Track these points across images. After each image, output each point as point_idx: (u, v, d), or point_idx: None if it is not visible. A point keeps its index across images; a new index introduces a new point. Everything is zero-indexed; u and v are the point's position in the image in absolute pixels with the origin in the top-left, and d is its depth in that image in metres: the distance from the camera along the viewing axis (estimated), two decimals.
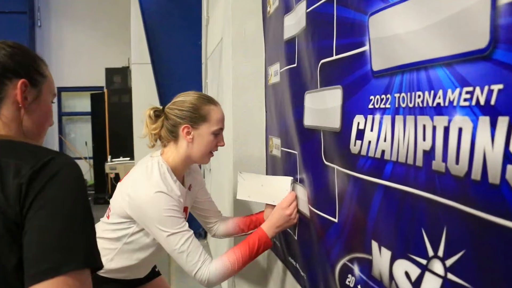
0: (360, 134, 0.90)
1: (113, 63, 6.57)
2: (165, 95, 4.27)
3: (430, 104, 0.65)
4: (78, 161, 0.79)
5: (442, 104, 0.62)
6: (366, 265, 0.92)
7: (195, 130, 1.39)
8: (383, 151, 0.80)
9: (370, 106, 0.85)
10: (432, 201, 0.66)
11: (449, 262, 0.63)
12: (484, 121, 0.53)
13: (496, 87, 0.51)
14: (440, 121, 0.62)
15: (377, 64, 0.82)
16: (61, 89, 7.66)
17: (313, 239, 1.30)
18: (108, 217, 1.42)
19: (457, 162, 0.59)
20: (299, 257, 1.49)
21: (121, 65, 6.48)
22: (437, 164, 0.64)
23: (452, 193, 0.61)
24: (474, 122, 0.55)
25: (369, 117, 0.86)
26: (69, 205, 0.72)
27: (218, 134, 1.43)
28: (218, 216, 1.70)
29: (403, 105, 0.73)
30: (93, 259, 0.72)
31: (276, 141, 1.72)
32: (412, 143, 0.70)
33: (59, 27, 7.61)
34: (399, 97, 0.74)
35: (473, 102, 0.55)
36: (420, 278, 0.71)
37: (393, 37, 0.74)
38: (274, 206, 1.48)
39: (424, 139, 0.67)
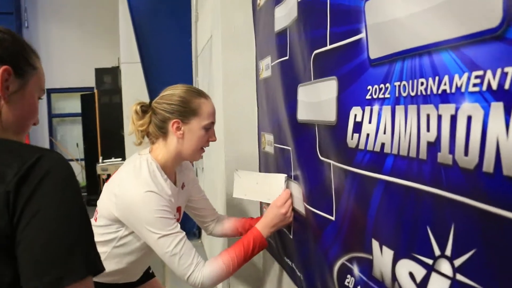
0: (358, 127, 0.85)
1: (103, 63, 6.48)
2: (155, 94, 4.17)
3: (435, 92, 0.60)
4: (69, 163, 0.72)
5: (448, 91, 0.57)
6: (366, 265, 0.87)
7: (186, 125, 1.32)
8: (382, 144, 0.75)
9: (368, 96, 0.80)
10: (438, 197, 0.61)
11: (458, 262, 0.58)
12: (497, 108, 0.48)
13: (510, 70, 0.46)
14: (446, 110, 0.57)
15: (375, 51, 0.77)
16: (50, 91, 7.56)
17: (309, 238, 1.25)
18: (95, 219, 1.35)
19: (466, 153, 0.54)
20: (295, 257, 1.44)
21: (111, 65, 6.39)
22: (443, 156, 0.59)
23: (461, 187, 0.56)
24: (486, 109, 0.50)
25: (367, 108, 0.81)
26: (64, 209, 0.66)
27: (209, 129, 1.36)
28: (213, 214, 1.64)
29: (404, 94, 0.68)
30: (94, 265, 0.67)
31: (268, 137, 1.67)
32: (415, 135, 0.65)
33: (47, 27, 7.50)
34: (399, 86, 0.69)
35: (484, 87, 0.50)
36: (426, 279, 0.66)
37: (392, 22, 0.69)
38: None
39: (428, 130, 0.62)
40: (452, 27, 0.56)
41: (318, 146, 1.10)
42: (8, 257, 0.63)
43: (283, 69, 1.38)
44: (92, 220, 1.37)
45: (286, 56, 1.33)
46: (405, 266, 0.71)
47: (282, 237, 1.57)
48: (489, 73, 0.49)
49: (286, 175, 1.42)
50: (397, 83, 0.70)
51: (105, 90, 6.17)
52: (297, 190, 1.34)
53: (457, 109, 0.55)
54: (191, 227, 3.87)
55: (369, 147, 0.81)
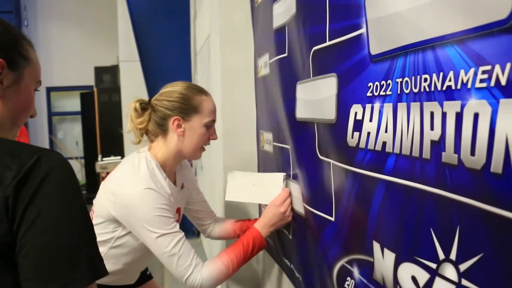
0: (358, 125, 0.82)
1: (102, 62, 6.46)
2: (154, 92, 4.15)
3: (439, 88, 0.57)
4: (69, 161, 0.68)
5: (453, 87, 0.54)
6: (367, 268, 0.84)
7: (186, 122, 1.29)
8: (384, 143, 0.73)
9: (369, 94, 0.77)
10: (442, 198, 0.58)
11: (463, 266, 0.55)
12: (506, 104, 0.45)
13: None
14: (451, 107, 0.54)
15: (376, 47, 0.74)
16: (50, 89, 7.55)
17: (308, 239, 1.23)
18: (91, 219, 1.32)
19: (472, 153, 0.51)
20: (294, 257, 1.42)
21: (110, 63, 6.37)
22: (448, 156, 0.56)
23: (467, 189, 0.53)
24: (494, 106, 0.47)
25: (368, 106, 0.78)
26: (65, 212, 0.63)
27: (210, 127, 1.33)
28: (212, 216, 1.61)
29: (407, 91, 0.65)
30: (98, 270, 0.65)
31: (267, 135, 1.64)
32: (418, 133, 0.62)
33: (46, 26, 7.47)
34: (401, 82, 0.66)
35: (492, 83, 0.47)
36: (429, 283, 0.63)
37: (394, 16, 0.66)
38: None
39: (432, 128, 0.59)
40: (458, 20, 0.53)
41: (318, 145, 1.08)
42: (8, 265, 0.60)
43: (282, 66, 1.35)
44: None
45: (285, 53, 1.30)
46: (408, 270, 0.69)
47: (281, 237, 1.55)
48: (497, 68, 0.46)
49: (285, 173, 1.39)
50: (399, 80, 0.67)
51: (104, 89, 6.14)
52: (296, 189, 1.32)
53: (463, 106, 0.52)
54: (190, 226, 3.85)
55: (370, 146, 0.78)
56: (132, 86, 4.67)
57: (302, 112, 1.18)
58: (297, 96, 1.20)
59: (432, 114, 0.59)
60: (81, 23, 7.42)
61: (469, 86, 0.51)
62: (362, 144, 0.81)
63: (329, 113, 0.96)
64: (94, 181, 6.15)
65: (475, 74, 0.50)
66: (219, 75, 1.91)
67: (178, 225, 1.24)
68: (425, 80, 0.60)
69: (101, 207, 1.26)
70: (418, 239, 0.65)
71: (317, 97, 1.04)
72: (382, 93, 0.73)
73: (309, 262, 1.23)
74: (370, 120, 0.77)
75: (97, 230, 1.25)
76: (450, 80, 0.54)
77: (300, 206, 1.29)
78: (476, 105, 0.50)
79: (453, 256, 0.57)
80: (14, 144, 0.67)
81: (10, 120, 0.75)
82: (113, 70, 6.21)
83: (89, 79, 6.62)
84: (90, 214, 1.33)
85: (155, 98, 1.33)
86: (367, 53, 0.77)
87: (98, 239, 1.25)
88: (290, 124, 1.29)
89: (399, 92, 0.67)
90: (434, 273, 0.62)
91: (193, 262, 1.22)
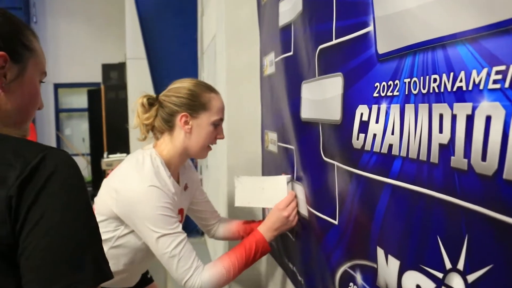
0: (364, 127, 0.79)
1: (110, 59, 6.47)
2: (161, 90, 4.15)
3: (449, 89, 0.54)
4: (75, 158, 0.65)
5: (464, 89, 0.51)
6: (370, 274, 0.82)
7: (194, 119, 1.26)
8: (390, 146, 0.70)
9: (375, 94, 0.75)
10: (450, 204, 0.55)
11: (471, 277, 0.53)
12: None
13: None
14: (462, 109, 0.52)
15: (383, 46, 0.71)
16: (58, 85, 7.58)
17: (311, 242, 1.20)
18: None
19: (483, 158, 0.48)
20: (296, 260, 1.39)
21: (117, 61, 6.37)
22: (457, 160, 0.53)
23: (477, 196, 0.50)
24: (508, 109, 0.44)
25: (374, 107, 0.75)
26: (70, 213, 0.61)
27: (218, 125, 1.30)
28: (216, 217, 1.58)
29: (415, 92, 0.62)
30: (103, 274, 0.63)
31: (272, 135, 1.62)
32: (426, 136, 0.59)
33: (55, 23, 7.50)
34: (409, 83, 0.64)
35: (507, 84, 0.44)
36: None
37: (403, 13, 0.64)
38: None
39: (440, 131, 0.56)
40: (470, 17, 0.50)
41: (322, 146, 1.05)
42: (11, 268, 0.58)
43: (287, 65, 1.32)
44: None
45: (290, 51, 1.28)
46: (412, 278, 0.66)
47: (284, 239, 1.52)
48: None
49: (289, 176, 1.35)
50: (407, 80, 0.64)
51: (111, 86, 6.15)
52: (300, 191, 1.29)
53: (474, 109, 0.49)
54: (194, 225, 3.83)
55: (376, 148, 0.75)
56: (139, 84, 4.66)
57: (307, 112, 1.15)
58: (302, 95, 1.18)
59: (441, 116, 0.56)
60: (89, 20, 7.44)
61: (481, 87, 0.48)
62: (367, 146, 0.78)
63: (334, 113, 0.93)
64: (100, 178, 6.15)
65: (488, 74, 0.47)
66: (224, 74, 1.89)
67: (180, 226, 1.21)
68: (435, 80, 0.57)
69: (103, 205, 1.23)
70: (424, 247, 0.62)
71: (322, 97, 1.02)
72: (389, 93, 0.70)
73: (312, 265, 1.21)
74: (377, 122, 0.75)
75: None
76: (461, 81, 0.52)
77: (304, 209, 1.26)
78: (489, 107, 0.47)
79: (460, 266, 0.54)
80: (18, 141, 0.65)
81: (17, 115, 0.72)
82: (121, 68, 6.21)
83: (97, 76, 6.62)
84: None
85: (163, 94, 1.30)
86: (374, 52, 0.74)
87: None
88: (295, 124, 1.26)
89: (407, 93, 0.65)
90: (440, 283, 0.59)
91: (193, 265, 1.18)
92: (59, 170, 0.61)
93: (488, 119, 0.47)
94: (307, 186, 1.21)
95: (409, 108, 0.64)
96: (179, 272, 1.17)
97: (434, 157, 0.58)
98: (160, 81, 4.34)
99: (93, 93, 6.53)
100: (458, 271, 0.55)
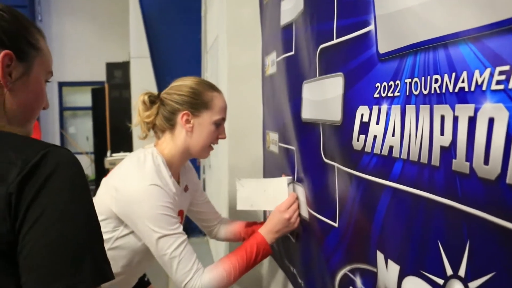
0: (364, 128, 0.77)
1: (114, 58, 6.47)
2: (164, 89, 4.16)
3: (451, 90, 0.52)
4: (79, 156, 0.64)
5: (466, 89, 0.49)
6: (370, 278, 0.80)
7: (196, 118, 1.24)
8: (391, 148, 0.68)
9: (376, 95, 0.73)
10: (451, 209, 0.54)
11: (473, 285, 0.51)
12: None
13: None
14: (464, 111, 0.50)
15: (384, 45, 0.70)
16: (62, 84, 7.60)
17: (311, 244, 1.18)
18: None
19: (486, 161, 0.46)
20: (297, 262, 1.37)
21: (122, 59, 6.38)
22: (459, 163, 0.51)
23: (479, 200, 0.49)
24: None
25: (375, 107, 0.73)
26: (71, 211, 0.59)
27: (220, 125, 1.28)
28: (217, 217, 1.55)
29: (416, 93, 0.60)
30: (103, 274, 0.61)
31: (273, 136, 1.60)
32: (427, 138, 0.58)
33: (59, 21, 7.53)
34: (410, 83, 0.62)
35: (510, 85, 0.43)
36: None
37: (404, 11, 0.62)
38: None
39: (442, 133, 0.54)
40: (473, 15, 0.48)
41: (323, 147, 1.03)
42: (10, 266, 0.57)
43: (288, 65, 1.31)
44: None
45: (292, 51, 1.26)
46: (412, 284, 0.64)
47: (285, 241, 1.50)
48: None
49: (289, 177, 1.33)
50: (408, 80, 0.62)
51: (115, 85, 6.15)
52: (301, 193, 1.27)
53: (476, 110, 0.48)
54: (196, 225, 3.83)
55: (376, 150, 0.73)
56: (143, 83, 4.66)
57: (307, 113, 1.13)
58: (303, 96, 1.16)
59: (442, 118, 0.54)
60: (93, 19, 7.46)
61: (484, 88, 0.46)
62: (367, 148, 0.76)
63: (335, 114, 0.91)
64: (103, 176, 6.15)
65: (491, 75, 0.45)
66: (226, 73, 1.88)
67: (181, 227, 1.18)
68: (436, 81, 0.55)
69: (102, 204, 1.20)
70: (424, 252, 0.60)
71: (323, 97, 1.00)
72: (390, 94, 0.68)
73: (312, 268, 1.19)
74: (377, 123, 0.73)
75: None
76: (463, 82, 0.50)
77: (304, 210, 1.25)
78: (492, 109, 0.45)
79: (462, 272, 0.53)
80: (20, 139, 0.64)
81: (21, 114, 0.71)
82: (125, 66, 6.21)
83: (101, 75, 6.64)
84: None
85: (164, 91, 1.29)
86: (375, 52, 0.73)
87: None
88: (296, 125, 1.25)
89: (408, 94, 0.63)
90: None
91: (194, 267, 1.15)
92: (60, 168, 0.60)
93: (491, 121, 0.46)
94: (308, 187, 1.19)
95: (410, 109, 0.62)
96: (179, 274, 1.14)
97: (435, 160, 0.56)
98: (163, 80, 4.33)
99: (97, 91, 6.53)
100: (459, 278, 0.53)
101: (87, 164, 7.01)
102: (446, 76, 0.53)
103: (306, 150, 1.18)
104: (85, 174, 0.64)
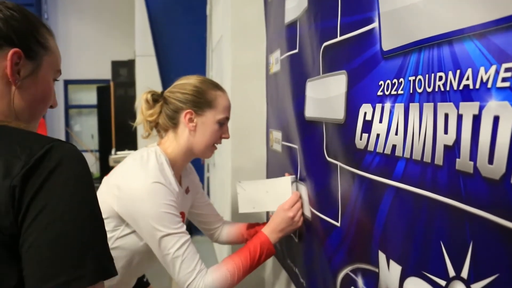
0: (367, 126, 0.76)
1: (120, 56, 6.50)
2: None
3: (455, 88, 0.51)
4: (84, 154, 0.64)
5: (471, 87, 0.48)
6: (372, 278, 0.79)
7: (199, 117, 1.22)
8: (394, 146, 0.67)
9: (379, 93, 0.72)
10: (454, 209, 0.53)
11: (476, 286, 0.50)
12: None
13: None
14: (468, 109, 0.49)
15: (388, 42, 0.69)
16: (68, 82, 7.64)
17: (314, 244, 1.17)
18: None
19: (490, 161, 0.45)
20: (299, 261, 1.37)
21: (127, 58, 6.39)
22: (463, 163, 0.50)
23: (483, 200, 0.48)
24: None
25: (378, 106, 0.72)
26: (74, 205, 0.59)
27: (223, 124, 1.26)
28: (219, 220, 1.52)
29: (420, 90, 0.59)
30: (106, 270, 0.61)
31: (276, 134, 1.59)
32: (431, 137, 0.57)
33: (65, 19, 7.56)
34: (414, 81, 0.61)
35: None
36: None
37: (408, 8, 0.61)
38: None
39: (446, 132, 0.53)
40: (479, 11, 0.47)
41: (325, 145, 1.02)
42: (13, 258, 0.57)
43: (292, 63, 1.30)
44: None
45: (296, 49, 1.25)
46: (414, 285, 0.63)
47: (287, 240, 1.49)
48: None
49: (293, 176, 1.32)
50: (411, 78, 0.61)
51: (120, 83, 6.18)
52: (303, 192, 1.26)
53: (481, 108, 0.47)
54: None
55: (379, 149, 0.72)
56: (148, 81, 4.66)
57: (311, 111, 1.12)
58: (306, 94, 1.15)
59: (446, 116, 0.53)
60: (99, 17, 7.49)
61: (489, 85, 0.45)
62: (370, 147, 0.75)
63: (338, 112, 0.90)
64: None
65: (497, 72, 0.44)
66: (230, 72, 1.87)
67: (184, 226, 1.16)
68: (440, 78, 0.54)
69: (103, 203, 1.16)
70: (426, 253, 0.59)
71: (326, 96, 0.99)
72: (393, 92, 0.67)
73: (314, 267, 1.18)
74: (380, 121, 0.72)
75: None
76: (467, 79, 0.49)
77: (307, 210, 1.24)
78: (497, 107, 0.44)
79: (464, 274, 0.52)
80: (26, 134, 0.65)
81: (28, 111, 0.72)
82: (130, 65, 6.23)
83: (106, 73, 6.66)
84: None
85: (168, 90, 1.27)
86: (379, 49, 0.72)
87: None
88: (299, 123, 1.24)
89: (411, 92, 0.62)
90: None
91: (197, 268, 1.13)
92: (64, 162, 0.60)
93: (496, 119, 0.44)
94: (310, 186, 1.18)
95: (414, 108, 0.61)
96: (182, 274, 1.12)
97: (439, 159, 0.55)
98: (168, 78, 4.34)
99: (103, 89, 6.56)
100: (462, 280, 0.52)
101: (92, 162, 7.04)
102: (450, 74, 0.52)
103: (309, 148, 1.17)
104: (90, 170, 0.64)
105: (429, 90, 0.57)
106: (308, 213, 1.23)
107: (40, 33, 0.72)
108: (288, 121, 1.38)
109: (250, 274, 1.23)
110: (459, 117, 0.50)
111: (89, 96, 7.52)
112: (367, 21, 0.76)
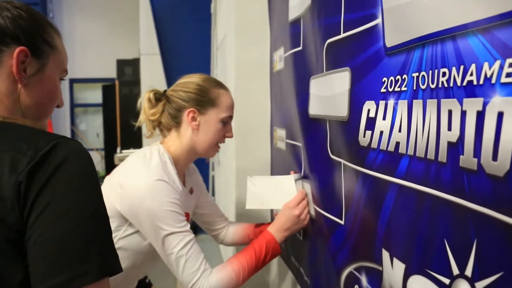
0: (371, 123, 0.76)
1: (125, 55, 6.51)
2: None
3: (459, 84, 0.50)
4: (89, 152, 0.65)
5: (475, 83, 0.48)
6: (375, 277, 0.79)
7: (202, 115, 1.21)
8: (397, 144, 0.67)
9: (383, 89, 0.71)
10: (458, 206, 0.52)
11: (480, 285, 0.49)
12: None
13: None
14: (472, 105, 0.48)
15: (391, 38, 0.68)
16: (73, 80, 7.68)
17: (318, 242, 1.17)
18: None
19: (494, 157, 0.45)
20: (303, 260, 1.36)
21: (132, 56, 6.41)
22: (467, 160, 0.50)
23: (487, 198, 0.47)
24: None
25: (381, 103, 0.72)
26: (79, 202, 0.60)
27: (227, 123, 1.25)
28: (223, 220, 1.50)
29: (423, 87, 0.59)
30: (111, 266, 0.61)
31: (280, 132, 1.59)
32: (434, 134, 0.56)
33: (70, 18, 7.60)
34: (417, 77, 0.60)
35: None
36: None
37: (411, 3, 0.60)
38: None
39: (449, 128, 0.53)
40: (483, 5, 0.46)
41: (329, 143, 1.02)
42: (19, 254, 0.58)
43: (296, 60, 1.29)
44: None
45: (299, 46, 1.24)
46: (418, 283, 0.62)
47: (292, 238, 1.49)
48: None
49: (296, 174, 1.31)
50: (415, 74, 0.61)
51: (125, 81, 6.19)
52: (308, 190, 1.26)
53: (485, 104, 0.46)
54: None
55: (383, 146, 0.72)
56: (152, 80, 4.67)
57: (314, 109, 1.12)
58: (310, 91, 1.15)
59: (450, 112, 0.52)
60: (104, 16, 7.51)
61: (493, 81, 0.45)
62: (374, 144, 0.75)
63: (342, 110, 0.90)
64: None
65: (501, 67, 0.44)
66: (234, 70, 1.87)
67: (189, 225, 1.14)
68: (444, 74, 0.53)
69: (105, 202, 1.16)
70: (430, 251, 0.59)
71: (330, 93, 0.98)
72: (397, 89, 0.67)
73: (318, 266, 1.18)
74: (384, 118, 0.71)
75: None
76: (471, 75, 0.48)
77: (311, 208, 1.23)
78: (501, 102, 0.44)
79: (468, 272, 0.51)
80: (32, 130, 0.65)
81: (35, 110, 0.72)
82: (135, 63, 6.23)
83: (111, 72, 6.68)
84: None
85: (170, 89, 1.26)
86: (382, 46, 0.71)
87: None
88: (303, 121, 1.23)
89: (415, 88, 0.61)
90: None
91: (201, 267, 1.10)
92: (69, 159, 0.61)
93: (500, 115, 0.44)
94: (314, 184, 1.18)
95: (417, 104, 0.60)
96: (186, 274, 1.10)
97: (442, 156, 0.55)
98: (173, 77, 4.32)
99: (108, 88, 6.57)
100: (466, 278, 0.52)
101: (97, 161, 7.07)
102: (454, 69, 0.51)
103: (313, 146, 1.16)
104: (95, 167, 0.65)
105: (433, 86, 0.56)
106: (312, 211, 1.22)
107: (46, 32, 0.73)
108: (292, 118, 1.38)
109: (254, 277, 1.21)
110: (463, 114, 0.50)
111: (95, 95, 7.55)
112: (370, 17, 0.75)
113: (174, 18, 4.60)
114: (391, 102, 0.69)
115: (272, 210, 1.77)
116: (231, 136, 1.28)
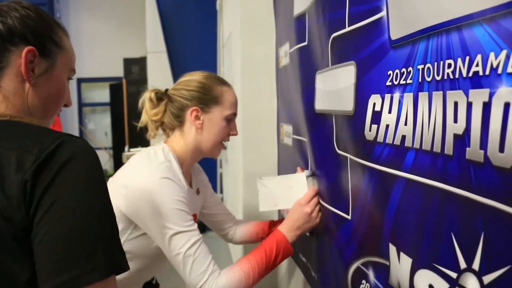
0: (376, 117, 0.75)
1: (131, 53, 6.54)
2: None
3: (464, 75, 0.50)
4: (98, 151, 0.65)
5: (481, 73, 0.47)
6: (383, 272, 0.78)
7: (205, 114, 1.19)
8: (403, 137, 0.66)
9: (388, 83, 0.71)
10: (465, 199, 0.51)
11: (487, 278, 0.49)
12: None
13: None
14: (478, 96, 0.47)
15: (396, 31, 0.67)
16: (80, 80, 7.72)
17: (325, 237, 1.17)
18: None
19: (501, 149, 0.44)
20: (310, 255, 1.36)
21: (139, 55, 6.43)
22: (473, 152, 0.49)
23: (494, 190, 0.46)
24: None
25: (387, 96, 0.71)
26: (85, 200, 0.60)
27: (231, 121, 1.22)
28: (231, 219, 1.48)
29: (429, 79, 0.58)
30: (117, 265, 0.61)
31: (287, 128, 1.59)
32: (440, 126, 0.55)
33: (77, 18, 7.63)
34: (423, 69, 0.59)
35: None
36: None
37: None
38: None
39: (455, 121, 0.52)
40: None
41: (335, 138, 1.01)
42: (26, 252, 0.58)
43: (302, 55, 1.29)
44: None
45: (305, 41, 1.24)
46: (425, 278, 0.62)
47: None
48: None
49: (307, 171, 1.29)
50: (420, 67, 0.60)
51: (133, 80, 6.21)
52: (315, 186, 1.25)
53: (491, 95, 0.45)
54: None
55: (389, 140, 0.71)
56: (159, 78, 4.70)
57: (320, 104, 1.11)
58: (316, 86, 1.14)
59: (456, 104, 0.52)
60: (111, 15, 7.54)
61: (499, 71, 0.44)
62: (380, 138, 0.74)
63: (347, 104, 0.89)
64: None
65: (507, 57, 0.43)
66: (240, 66, 1.87)
67: (196, 225, 1.10)
68: (449, 66, 0.53)
69: None
70: (437, 244, 0.58)
71: (335, 87, 0.98)
72: (402, 82, 0.66)
73: (325, 261, 1.18)
74: (389, 112, 0.71)
75: None
76: (477, 65, 0.47)
77: None
78: (508, 93, 0.43)
79: (476, 266, 0.51)
80: (38, 129, 0.65)
81: (42, 109, 0.73)
82: (142, 62, 6.25)
83: (118, 71, 6.71)
84: None
85: (172, 87, 1.24)
86: (387, 38, 0.70)
87: None
88: (309, 116, 1.23)
89: (420, 81, 0.60)
90: (454, 283, 0.55)
91: (209, 268, 1.06)
92: (75, 157, 0.61)
93: (507, 106, 0.43)
94: (321, 179, 1.17)
95: (423, 97, 0.60)
96: (193, 275, 1.05)
97: (449, 149, 0.54)
98: (180, 75, 4.33)
99: (115, 87, 6.60)
100: (473, 271, 0.51)
101: (105, 159, 7.10)
102: (459, 60, 0.51)
103: (319, 141, 1.16)
104: (104, 169, 0.65)
105: (438, 78, 0.56)
106: None
107: (55, 32, 0.74)
108: (298, 114, 1.37)
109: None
110: (469, 105, 0.49)
111: (102, 94, 7.59)
112: (375, 10, 0.74)
113: (180, 16, 4.61)
114: (396, 95, 0.68)
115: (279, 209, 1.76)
116: (235, 134, 1.26)
